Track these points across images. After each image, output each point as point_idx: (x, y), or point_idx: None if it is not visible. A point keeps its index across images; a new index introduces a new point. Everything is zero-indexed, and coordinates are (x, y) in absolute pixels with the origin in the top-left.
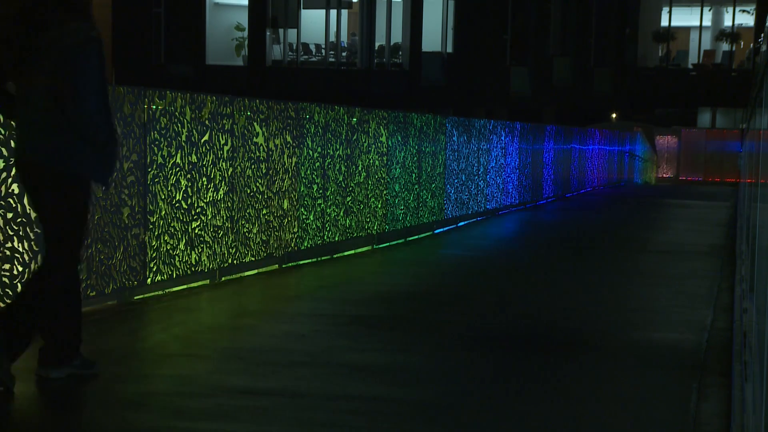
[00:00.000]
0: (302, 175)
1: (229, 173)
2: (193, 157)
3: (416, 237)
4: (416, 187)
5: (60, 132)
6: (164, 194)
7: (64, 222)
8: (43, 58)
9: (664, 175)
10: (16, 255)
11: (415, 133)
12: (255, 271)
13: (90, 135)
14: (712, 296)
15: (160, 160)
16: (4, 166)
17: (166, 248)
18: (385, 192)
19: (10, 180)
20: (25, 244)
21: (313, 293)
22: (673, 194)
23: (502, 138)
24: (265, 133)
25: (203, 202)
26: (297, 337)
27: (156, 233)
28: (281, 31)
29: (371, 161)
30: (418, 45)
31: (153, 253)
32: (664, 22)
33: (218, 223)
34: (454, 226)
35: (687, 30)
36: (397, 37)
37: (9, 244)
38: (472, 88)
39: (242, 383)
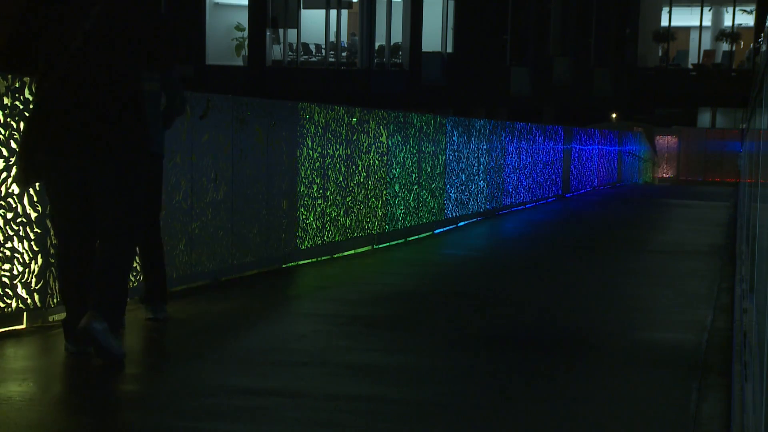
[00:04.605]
0: (302, 175)
1: (230, 173)
2: (193, 157)
3: (416, 237)
4: (416, 187)
5: None
6: (164, 194)
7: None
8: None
9: (664, 175)
10: (16, 255)
11: (415, 133)
12: (255, 271)
13: None
14: (712, 296)
15: None
16: (4, 166)
17: (166, 248)
18: (385, 192)
19: (10, 180)
20: (25, 244)
21: (313, 293)
22: (673, 194)
23: (502, 138)
24: (266, 133)
25: (203, 202)
26: (297, 337)
27: None
28: (281, 31)
29: (371, 161)
30: (418, 45)
31: None
32: (664, 22)
33: (218, 223)
34: (454, 226)
35: (687, 30)
36: (397, 37)
37: (9, 244)
38: (472, 88)
39: (242, 383)
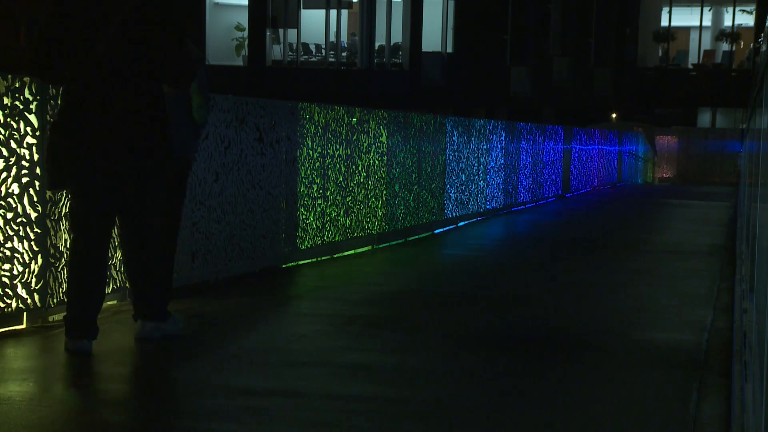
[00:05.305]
0: (302, 175)
1: (230, 173)
2: (194, 156)
3: (416, 237)
4: (416, 187)
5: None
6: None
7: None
8: None
9: (664, 175)
10: (16, 255)
11: (415, 133)
12: (255, 271)
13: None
14: (712, 296)
15: None
16: (4, 166)
17: None
18: (385, 192)
19: (10, 180)
20: (25, 244)
21: (313, 293)
22: (673, 194)
23: (502, 138)
24: (266, 133)
25: (203, 201)
26: (297, 337)
27: None
28: (281, 31)
29: (371, 161)
30: (418, 45)
31: None
32: (664, 22)
33: (218, 223)
34: (454, 226)
35: (687, 30)
36: (397, 37)
37: (9, 244)
38: (472, 88)
39: (242, 383)
